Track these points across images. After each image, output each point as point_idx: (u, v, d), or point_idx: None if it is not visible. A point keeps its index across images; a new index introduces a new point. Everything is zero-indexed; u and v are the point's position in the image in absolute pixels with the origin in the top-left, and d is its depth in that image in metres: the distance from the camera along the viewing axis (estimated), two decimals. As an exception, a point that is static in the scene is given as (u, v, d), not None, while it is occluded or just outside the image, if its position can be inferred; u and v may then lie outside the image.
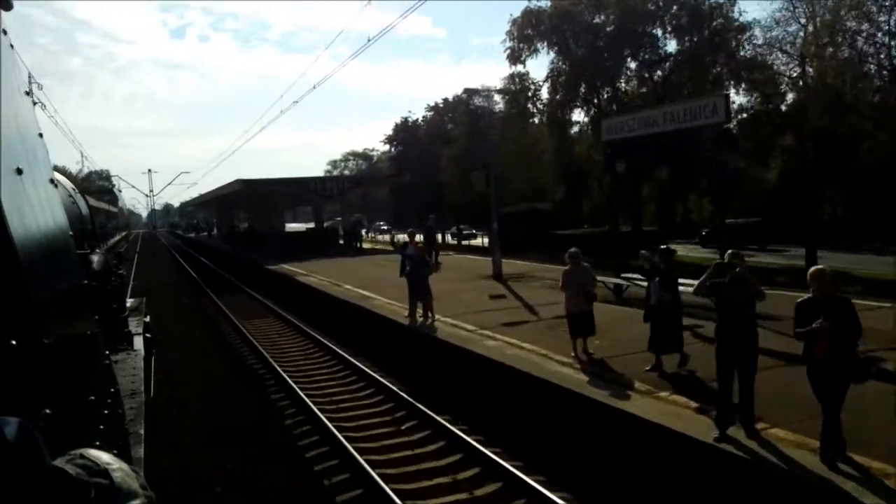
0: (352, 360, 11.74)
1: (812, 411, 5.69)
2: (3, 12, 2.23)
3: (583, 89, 32.86)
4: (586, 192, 36.64)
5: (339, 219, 54.07)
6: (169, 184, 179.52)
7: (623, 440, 6.49)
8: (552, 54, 33.03)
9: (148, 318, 8.95)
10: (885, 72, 22.33)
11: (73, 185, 8.89)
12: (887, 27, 21.52)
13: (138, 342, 6.82)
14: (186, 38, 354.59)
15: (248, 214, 53.83)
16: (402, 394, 9.62)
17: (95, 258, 5.85)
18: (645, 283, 13.15)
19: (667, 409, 6.58)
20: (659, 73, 32.40)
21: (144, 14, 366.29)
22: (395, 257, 16.42)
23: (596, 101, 33.36)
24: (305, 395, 9.88)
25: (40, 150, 2.81)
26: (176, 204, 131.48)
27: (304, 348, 13.63)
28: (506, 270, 18.41)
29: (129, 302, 9.79)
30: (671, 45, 31.95)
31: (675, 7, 30.42)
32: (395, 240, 19.00)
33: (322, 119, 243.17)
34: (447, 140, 45.79)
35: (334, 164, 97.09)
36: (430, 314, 12.11)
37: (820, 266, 5.25)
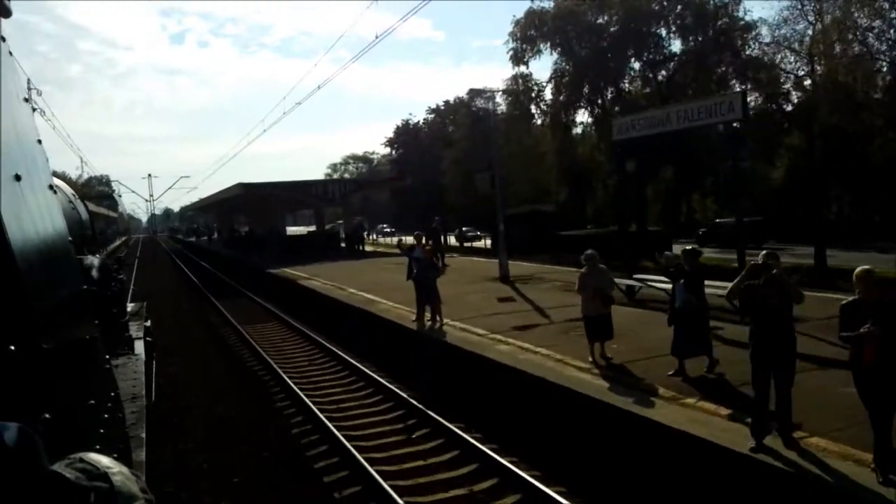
0: (358, 365, 11.42)
1: (852, 418, 5.38)
2: (2, 19, 2.23)
3: (586, 90, 32.65)
4: (590, 193, 36.40)
5: (339, 222, 53.83)
6: (169, 188, 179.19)
7: (650, 450, 6.16)
8: (555, 55, 32.90)
9: (149, 323, 8.72)
10: (897, 68, 22.00)
11: (72, 191, 8.85)
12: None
13: (139, 346, 6.74)
14: (186, 43, 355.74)
15: (249, 218, 53.61)
16: (411, 401, 9.30)
17: (95, 263, 5.67)
18: (660, 285, 13.00)
19: (695, 416, 6.26)
20: (663, 73, 32.18)
21: (143, 20, 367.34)
22: (399, 260, 16.20)
23: (600, 101, 33.15)
24: (312, 402, 9.56)
25: (39, 156, 2.81)
26: (176, 208, 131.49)
27: (309, 354, 13.31)
28: (512, 272, 18.11)
29: (130, 306, 9.65)
30: (675, 45, 31.85)
31: (679, 7, 30.23)
32: (402, 242, 18.65)
33: (321, 123, 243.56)
34: (448, 142, 45.61)
35: (334, 167, 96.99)
36: (438, 318, 11.79)
37: (866, 266, 4.93)
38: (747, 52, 29.56)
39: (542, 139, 37.39)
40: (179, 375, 11.64)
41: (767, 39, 27.13)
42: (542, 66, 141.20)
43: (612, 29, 31.19)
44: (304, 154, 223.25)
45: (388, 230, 57.46)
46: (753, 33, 28.71)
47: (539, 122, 38.06)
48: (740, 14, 29.40)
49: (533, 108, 36.70)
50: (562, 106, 33.48)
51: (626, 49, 30.95)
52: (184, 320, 18.08)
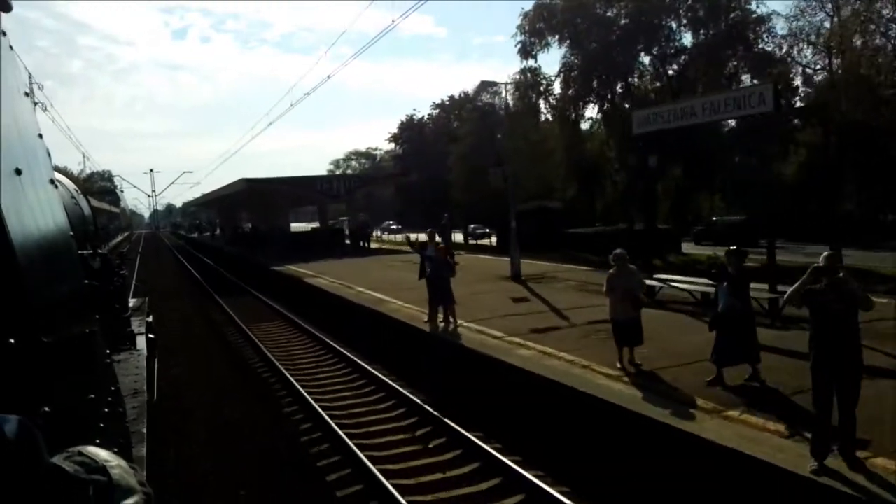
0: (369, 368, 10.96)
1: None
2: (3, 14, 2.22)
3: (595, 84, 32.02)
4: (599, 190, 35.77)
5: (343, 219, 53.32)
6: (172, 183, 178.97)
7: (694, 469, 5.66)
8: (564, 49, 32.24)
9: (151, 318, 8.45)
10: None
11: (75, 186, 8.72)
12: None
13: (141, 342, 6.66)
14: (188, 39, 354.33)
15: (252, 214, 53.15)
16: (426, 406, 8.84)
17: (97, 258, 5.75)
18: (683, 286, 12.52)
19: (742, 431, 5.75)
20: (674, 67, 31.53)
21: (145, 16, 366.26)
22: (406, 258, 15.79)
23: (609, 96, 32.53)
24: (321, 407, 9.10)
25: (40, 150, 2.81)
26: (178, 204, 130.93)
27: (317, 355, 12.85)
28: (523, 271, 17.63)
29: (132, 302, 9.45)
30: (687, 39, 31.11)
31: (691, -1, 29.56)
32: (412, 239, 18.15)
33: (323, 119, 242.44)
34: (454, 138, 44.98)
35: (337, 163, 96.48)
36: (452, 319, 11.31)
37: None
38: (760, 46, 28.97)
39: (550, 134, 36.75)
40: (182, 376, 11.19)
41: (783, 32, 26.50)
42: (551, 60, 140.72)
43: (622, 22, 30.54)
44: (305, 151, 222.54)
45: (394, 227, 56.79)
46: (767, 26, 28.13)
47: (547, 117, 37.49)
48: (753, 7, 28.85)
49: (541, 103, 36.10)
50: (570, 100, 32.84)
51: (637, 42, 30.28)
52: (187, 318, 17.62)
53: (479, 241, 36.62)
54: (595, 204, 36.47)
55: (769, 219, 26.56)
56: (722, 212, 38.86)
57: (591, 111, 34.59)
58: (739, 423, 5.97)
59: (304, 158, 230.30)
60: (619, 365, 7.91)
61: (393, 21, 13.98)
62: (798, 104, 29.68)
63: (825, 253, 5.00)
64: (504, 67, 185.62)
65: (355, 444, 7.70)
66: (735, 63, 29.62)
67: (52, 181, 2.88)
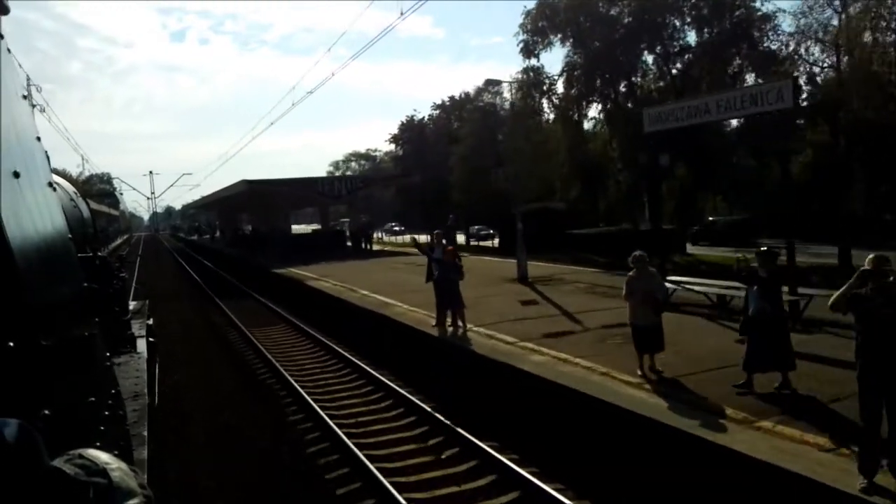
0: (376, 374, 10.64)
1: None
2: (1, 16, 2.22)
3: (599, 83, 31.71)
4: (602, 190, 35.45)
5: (343, 220, 52.96)
6: (171, 185, 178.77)
7: (726, 484, 5.34)
8: (567, 47, 31.96)
9: (151, 321, 8.24)
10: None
11: (74, 189, 8.44)
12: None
13: (141, 345, 6.61)
14: (186, 41, 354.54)
15: (252, 216, 52.83)
16: (436, 415, 8.52)
17: (97, 261, 5.61)
18: (698, 288, 12.20)
19: (778, 444, 5.43)
20: (679, 65, 31.21)
21: (144, 17, 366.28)
22: (409, 260, 15.50)
23: (612, 95, 32.21)
24: (327, 415, 8.79)
25: (38, 153, 2.80)
26: (178, 206, 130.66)
27: (321, 360, 12.53)
28: (529, 273, 17.30)
29: (132, 305, 9.31)
30: (691, 37, 30.80)
31: (695, -4, 29.26)
32: (419, 241, 17.85)
33: (322, 120, 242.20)
34: (455, 139, 44.68)
35: (336, 165, 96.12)
36: (461, 323, 10.99)
37: None
38: (765, 44, 28.69)
39: (552, 134, 36.47)
40: (182, 381, 10.87)
41: (790, 29, 26.16)
42: (553, 60, 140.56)
43: (625, 20, 30.25)
44: (305, 152, 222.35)
45: (396, 228, 56.33)
46: (772, 24, 27.85)
47: (549, 116, 37.20)
48: (758, 4, 28.57)
49: (544, 103, 35.77)
50: (573, 100, 32.55)
51: (640, 41, 29.99)
52: (187, 322, 17.30)
53: (482, 243, 36.24)
54: (598, 204, 36.17)
55: (784, 219, 26.31)
56: (724, 212, 38.59)
57: (594, 111, 34.33)
58: (774, 434, 5.65)
59: (304, 159, 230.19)
60: (639, 372, 7.59)
61: (402, 13, 13.61)
62: (803, 103, 29.35)
63: (870, 255, 4.69)
64: (501, 69, 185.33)
65: (364, 455, 7.40)
66: (739, 62, 29.33)
67: (50, 184, 2.89)
